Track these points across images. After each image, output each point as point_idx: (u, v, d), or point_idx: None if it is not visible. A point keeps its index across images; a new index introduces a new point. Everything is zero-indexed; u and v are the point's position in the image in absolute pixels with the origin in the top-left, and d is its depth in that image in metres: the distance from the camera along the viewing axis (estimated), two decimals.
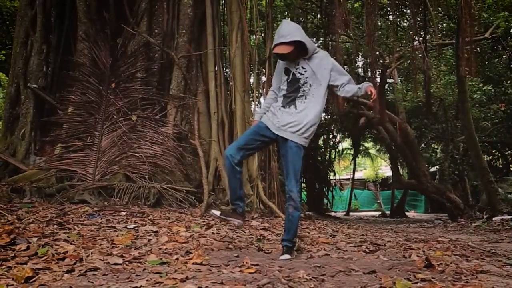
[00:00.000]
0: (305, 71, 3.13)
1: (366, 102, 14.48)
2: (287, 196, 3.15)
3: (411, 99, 13.35)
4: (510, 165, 16.74)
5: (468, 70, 7.66)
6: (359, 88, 3.16)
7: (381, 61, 12.76)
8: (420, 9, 11.01)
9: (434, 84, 12.71)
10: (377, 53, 12.51)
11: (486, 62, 14.03)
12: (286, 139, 3.12)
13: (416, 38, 11.39)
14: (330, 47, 13.20)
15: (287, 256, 3.06)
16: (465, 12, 7.11)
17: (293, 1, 13.09)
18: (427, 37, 12.01)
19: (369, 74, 12.55)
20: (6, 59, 12.21)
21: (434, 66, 12.14)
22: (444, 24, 13.43)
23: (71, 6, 7.96)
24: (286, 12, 14.58)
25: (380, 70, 12.64)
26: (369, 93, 3.10)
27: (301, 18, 13.57)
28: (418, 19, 11.17)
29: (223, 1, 9.30)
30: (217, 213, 3.32)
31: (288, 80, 3.18)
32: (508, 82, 14.26)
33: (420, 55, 11.52)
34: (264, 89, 8.90)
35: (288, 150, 3.11)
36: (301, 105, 3.13)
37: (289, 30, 3.04)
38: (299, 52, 3.10)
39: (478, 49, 13.14)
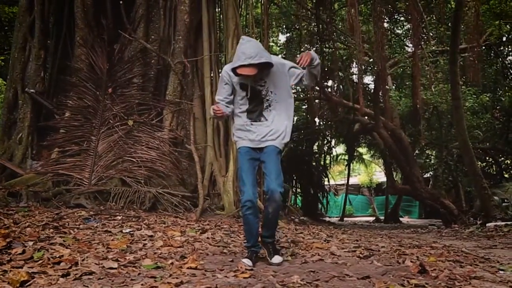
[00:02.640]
0: (264, 82, 3.04)
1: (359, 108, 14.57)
2: (267, 196, 3.05)
3: (404, 105, 13.44)
4: (504, 172, 16.83)
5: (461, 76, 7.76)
6: (313, 58, 2.92)
7: (375, 67, 12.87)
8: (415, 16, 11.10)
9: (427, 91, 12.81)
10: (371, 60, 12.63)
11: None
12: (265, 146, 3.10)
13: (410, 44, 11.52)
14: (324, 54, 13.33)
15: (279, 258, 3.08)
16: (457, 20, 7.22)
17: (288, 8, 13.19)
18: (422, 43, 12.12)
19: (364, 80, 12.66)
20: (4, 64, 12.22)
21: (428, 72, 12.23)
22: (439, 31, 13.57)
23: (69, 12, 7.99)
24: (281, 19, 14.68)
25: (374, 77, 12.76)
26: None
27: (296, 25, 13.67)
28: (411, 24, 11.28)
29: (219, 8, 9.37)
30: (249, 263, 2.96)
31: (249, 96, 3.05)
32: (501, 89, 14.39)
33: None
34: None
35: (268, 155, 3.07)
36: (271, 115, 3.08)
37: (256, 50, 2.82)
38: (262, 70, 2.96)
39: (472, 55, 13.27)
